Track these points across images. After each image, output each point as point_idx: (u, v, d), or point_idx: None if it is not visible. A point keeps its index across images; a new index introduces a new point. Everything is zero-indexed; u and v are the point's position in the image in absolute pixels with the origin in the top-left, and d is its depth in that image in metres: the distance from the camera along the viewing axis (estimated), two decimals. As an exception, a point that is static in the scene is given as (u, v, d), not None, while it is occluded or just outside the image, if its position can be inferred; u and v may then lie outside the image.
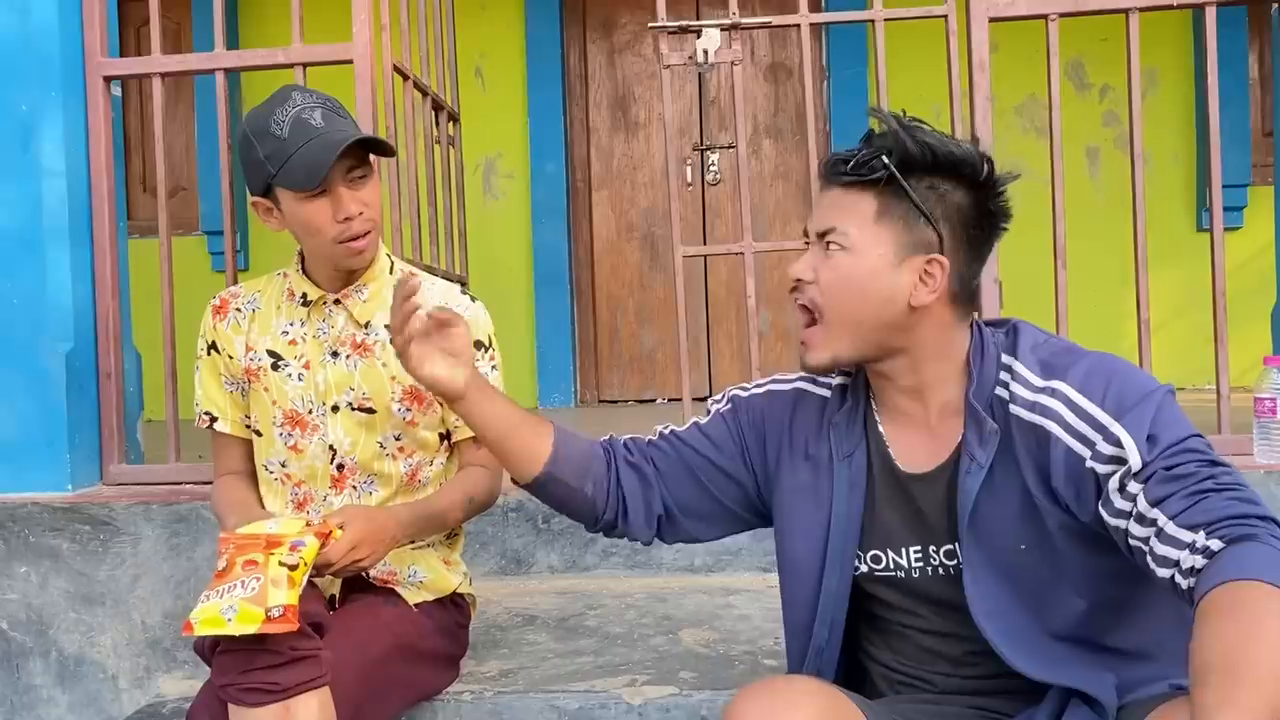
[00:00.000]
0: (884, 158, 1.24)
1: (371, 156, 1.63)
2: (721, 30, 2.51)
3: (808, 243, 1.32)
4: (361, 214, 1.59)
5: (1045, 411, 1.21)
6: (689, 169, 5.32)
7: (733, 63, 2.49)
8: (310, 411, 1.68)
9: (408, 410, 1.68)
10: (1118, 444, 1.14)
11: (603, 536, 2.52)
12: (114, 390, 2.63)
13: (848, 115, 5.14)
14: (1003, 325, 1.33)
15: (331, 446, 1.68)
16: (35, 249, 2.54)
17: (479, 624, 2.06)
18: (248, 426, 1.75)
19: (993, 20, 2.48)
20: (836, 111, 5.16)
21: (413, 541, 1.66)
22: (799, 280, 1.29)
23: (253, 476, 1.76)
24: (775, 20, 2.69)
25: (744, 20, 2.61)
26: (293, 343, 1.70)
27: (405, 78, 2.80)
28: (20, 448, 2.53)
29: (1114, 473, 1.14)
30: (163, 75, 2.64)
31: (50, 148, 2.55)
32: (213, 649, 1.40)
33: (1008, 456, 1.23)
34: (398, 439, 1.68)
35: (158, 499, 2.41)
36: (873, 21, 2.56)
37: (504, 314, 5.47)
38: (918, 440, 1.31)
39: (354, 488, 1.68)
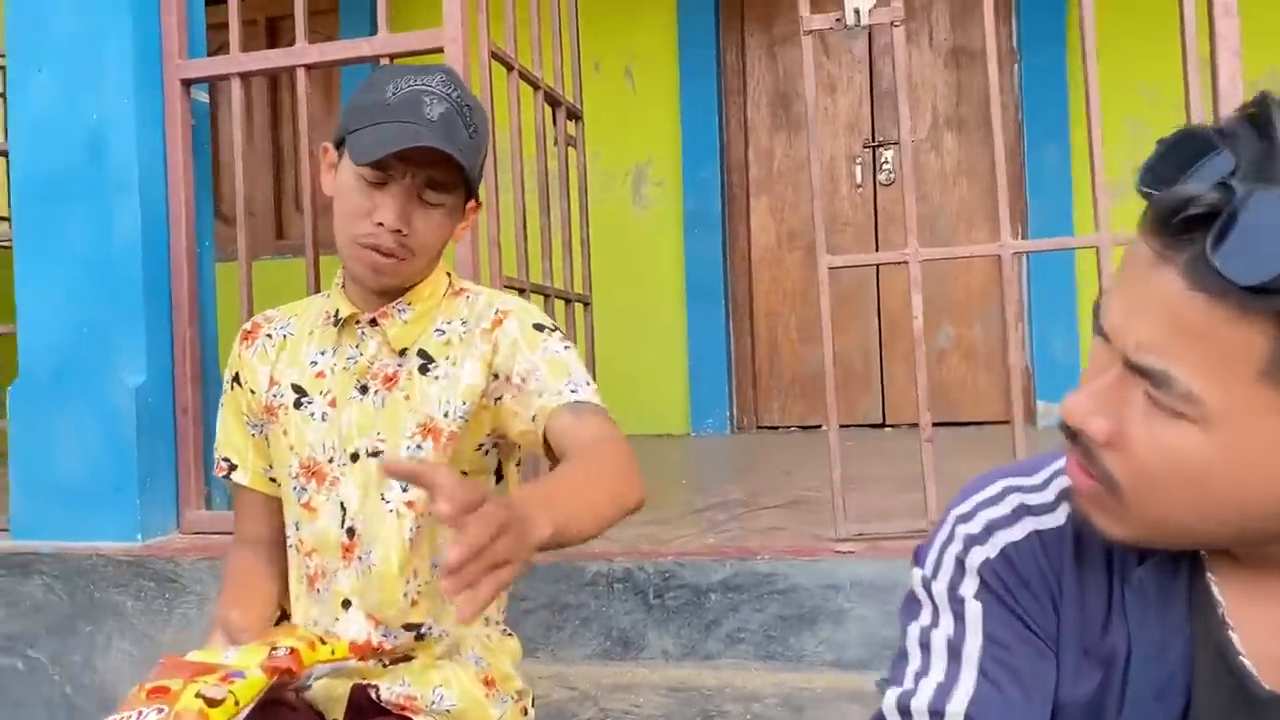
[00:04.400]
0: None
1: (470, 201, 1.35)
2: (879, -15, 2.01)
3: (1104, 337, 0.70)
4: (400, 234, 1.25)
5: None
6: (859, 168, 4.78)
7: (892, 23, 1.99)
8: (330, 460, 1.31)
9: (419, 448, 1.28)
10: None
11: (729, 618, 2.09)
12: (192, 428, 2.36)
13: (1042, 104, 4.48)
14: None
15: (343, 504, 1.30)
16: (104, 271, 2.30)
17: (565, 734, 1.64)
18: (271, 480, 1.39)
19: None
20: (1029, 100, 4.51)
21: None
22: (1082, 430, 0.71)
23: (278, 546, 1.40)
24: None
25: (908, -28, 2.09)
26: (320, 375, 1.34)
27: (509, 68, 2.43)
28: (88, 493, 2.29)
29: None
30: (241, 75, 2.36)
31: (122, 160, 2.30)
32: None
33: None
34: (405, 490, 1.28)
35: (225, 554, 2.10)
36: (1078, -35, 2.00)
37: (653, 333, 5.13)
38: None
39: (359, 559, 1.30)
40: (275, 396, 1.36)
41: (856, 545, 1.95)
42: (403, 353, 1.32)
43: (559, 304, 2.74)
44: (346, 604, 1.30)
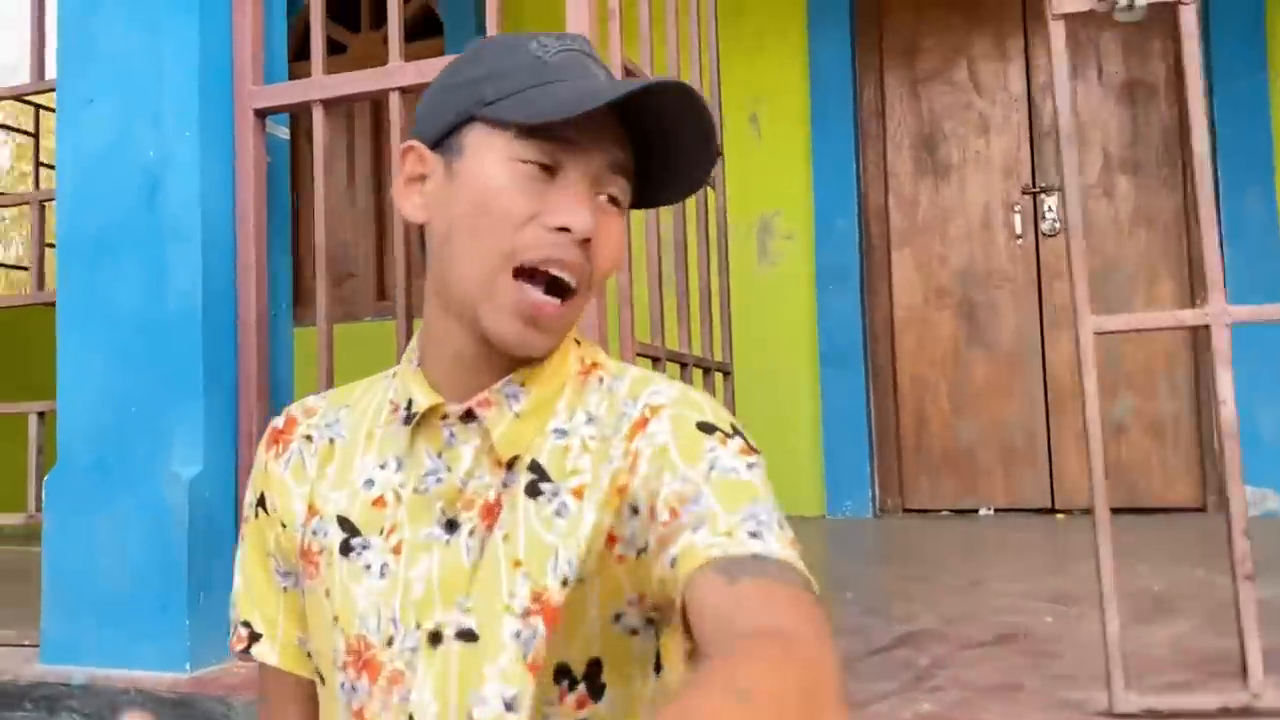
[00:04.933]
0: None
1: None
2: (1153, -42, 1.49)
3: None
4: (590, 245, 0.82)
5: None
6: (1018, 217, 4.22)
7: (1180, 2, 1.46)
8: (390, 642, 0.84)
9: (533, 637, 0.80)
10: None
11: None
12: (256, 528, 1.92)
13: (1240, 141, 3.87)
14: None
15: (411, 716, 0.82)
16: (157, 337, 1.90)
17: None
18: (308, 655, 0.93)
19: None
20: (1224, 137, 3.90)
21: None
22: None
23: None
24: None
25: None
26: (379, 503, 0.87)
27: (645, 88, 1.97)
28: (130, 610, 1.87)
29: None
30: (325, 103, 1.96)
31: (182, 204, 1.92)
32: None
33: None
34: (510, 708, 0.79)
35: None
36: None
37: (783, 402, 4.59)
38: None
39: None
40: (316, 534, 0.89)
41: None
42: (511, 464, 0.85)
43: (696, 373, 2.26)
44: None
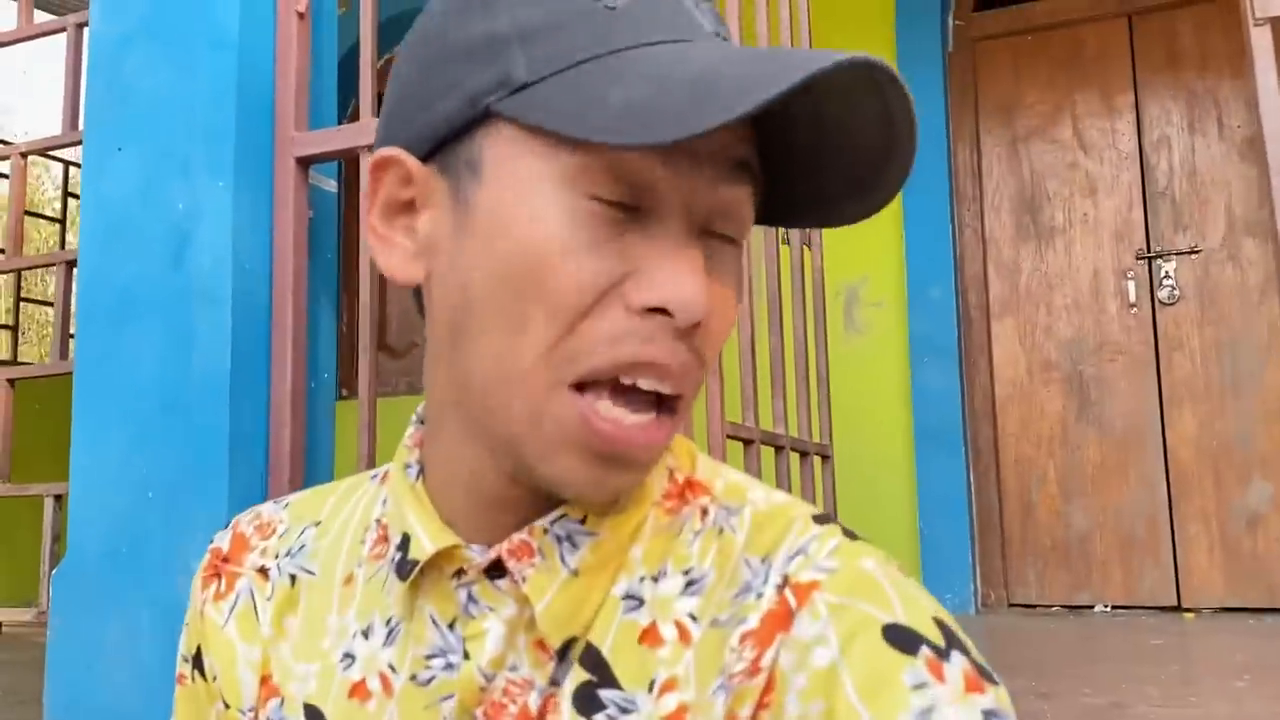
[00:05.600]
0: None
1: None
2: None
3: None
4: (700, 326, 0.51)
5: None
6: (1131, 284, 3.88)
7: None
8: None
9: None
10: None
11: None
12: (285, 633, 1.67)
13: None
14: None
15: None
16: (179, 412, 1.68)
17: None
18: None
19: None
20: (1366, 192, 3.53)
21: None
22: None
23: None
24: None
25: None
26: (359, 692, 0.58)
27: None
28: (137, 727, 1.61)
29: None
30: (372, 148, 1.74)
31: (212, 262, 1.70)
32: None
33: None
34: None
35: None
36: None
37: (876, 485, 4.20)
38: None
39: None
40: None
41: None
42: (563, 654, 0.54)
43: (793, 457, 1.97)
44: None
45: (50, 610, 1.72)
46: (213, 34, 1.74)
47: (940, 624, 0.49)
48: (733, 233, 0.53)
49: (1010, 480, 3.98)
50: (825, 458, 2.14)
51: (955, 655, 0.48)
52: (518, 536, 0.54)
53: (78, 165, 2.73)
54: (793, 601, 0.50)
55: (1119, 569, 3.78)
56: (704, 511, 0.57)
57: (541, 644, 0.54)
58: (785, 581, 0.51)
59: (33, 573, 2.09)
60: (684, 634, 0.52)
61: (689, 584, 0.53)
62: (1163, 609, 3.71)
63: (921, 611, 0.49)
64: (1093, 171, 4.00)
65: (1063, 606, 3.84)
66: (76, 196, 3.07)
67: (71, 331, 2.28)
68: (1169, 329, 3.81)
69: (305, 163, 1.79)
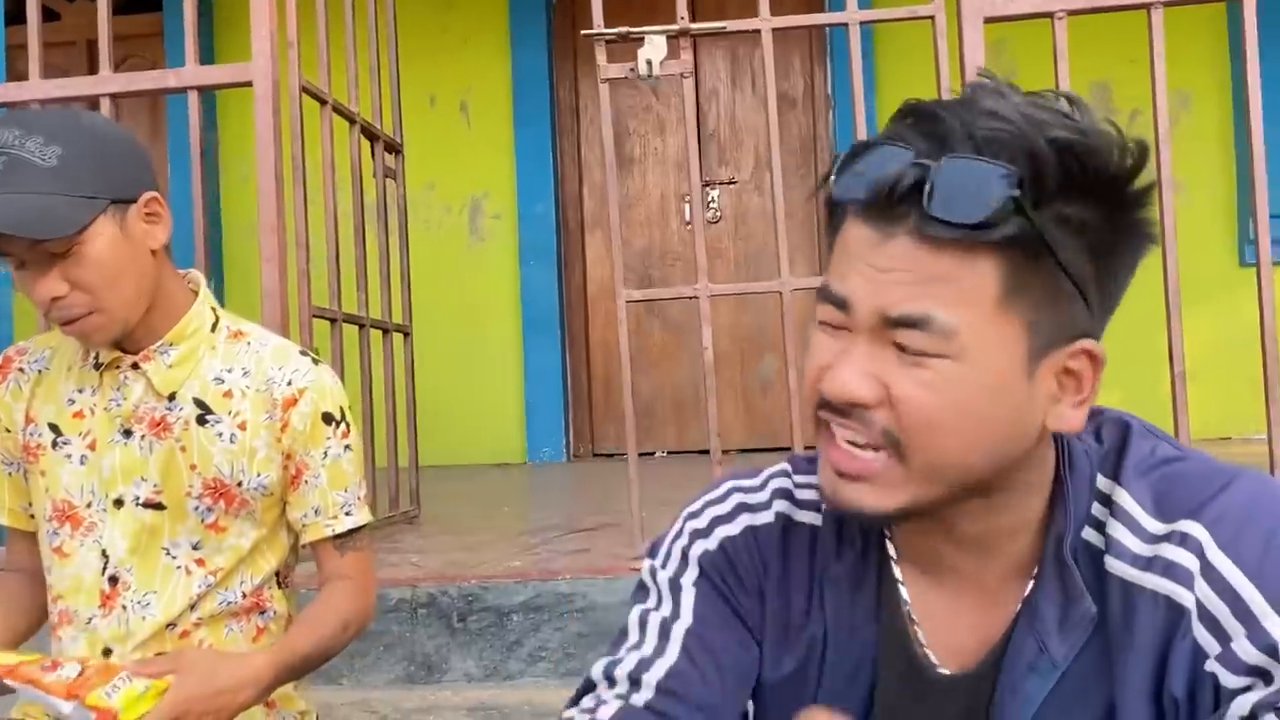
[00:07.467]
0: (1011, 191, 0.69)
1: (110, 209, 1.22)
2: (669, 38, 2.16)
3: (830, 325, 0.77)
4: (63, 298, 1.22)
5: (1174, 573, 0.75)
6: (687, 206, 4.97)
7: (681, 75, 2.14)
8: (89, 505, 1.32)
9: (209, 510, 1.31)
10: (1272, 650, 0.71)
11: (530, 637, 2.15)
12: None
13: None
14: (1092, 419, 0.82)
15: (105, 552, 1.31)
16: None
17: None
18: (31, 516, 1.40)
19: (989, 20, 2.12)
20: (843, 144, 4.79)
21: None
22: (855, 400, 0.75)
23: (42, 580, 1.40)
24: (731, 25, 2.34)
25: (693, 26, 2.27)
26: (79, 415, 1.35)
27: (322, 102, 2.47)
28: None
29: (1247, 690, 0.71)
30: (42, 104, 2.33)
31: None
32: None
33: (1096, 648, 0.79)
34: (195, 548, 1.31)
35: None
36: (846, 25, 2.20)
37: (491, 362, 5.18)
38: (964, 616, 0.84)
39: (124, 608, 1.31)
40: (33, 435, 1.35)
41: (651, 562, 2.06)
42: (172, 397, 1.31)
43: (375, 333, 2.78)
44: (108, 652, 1.30)
45: None
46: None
47: (343, 408, 1.33)
48: (65, 254, 1.20)
49: (597, 360, 5.03)
50: (406, 334, 2.97)
51: (342, 425, 1.33)
52: (145, 350, 1.32)
53: None
54: (296, 396, 1.30)
55: (673, 425, 4.95)
56: (247, 342, 1.36)
57: (157, 393, 1.31)
58: (293, 387, 1.32)
59: None
60: (242, 392, 1.33)
61: (244, 372, 1.33)
62: (702, 452, 4.92)
63: (337, 405, 1.34)
64: (662, 114, 5.04)
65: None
66: None
67: None
68: (713, 242, 4.95)
69: (-15, 110, 2.34)
